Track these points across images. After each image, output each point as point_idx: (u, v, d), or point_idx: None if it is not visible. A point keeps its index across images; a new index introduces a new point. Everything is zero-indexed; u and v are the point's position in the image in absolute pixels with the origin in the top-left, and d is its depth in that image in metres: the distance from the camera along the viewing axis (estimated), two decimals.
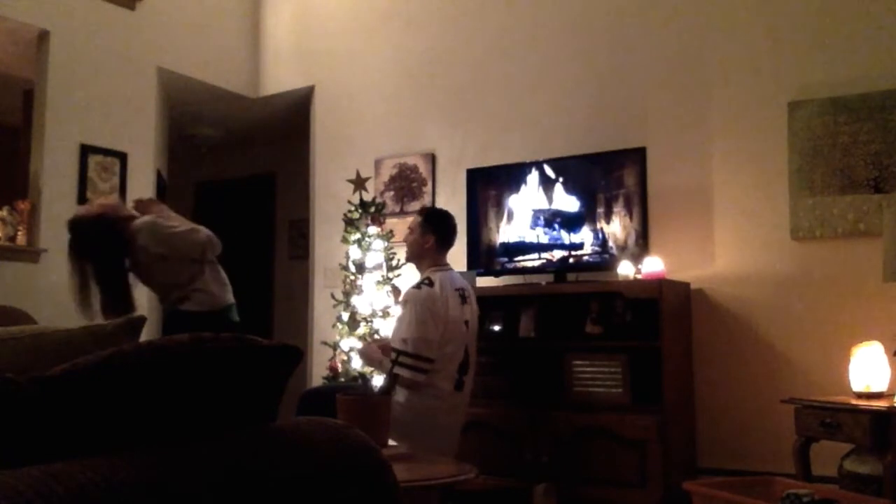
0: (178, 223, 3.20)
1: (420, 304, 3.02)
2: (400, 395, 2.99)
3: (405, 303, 3.09)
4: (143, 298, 4.76)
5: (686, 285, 3.73)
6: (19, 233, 4.16)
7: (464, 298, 3.19)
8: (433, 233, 3.21)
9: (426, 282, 3.10)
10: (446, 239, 3.26)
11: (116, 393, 0.88)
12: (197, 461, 0.89)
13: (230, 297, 3.28)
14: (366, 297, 3.99)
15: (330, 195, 5.02)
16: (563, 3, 4.34)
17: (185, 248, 3.10)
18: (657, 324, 3.36)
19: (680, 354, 3.60)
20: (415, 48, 4.86)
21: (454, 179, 4.50)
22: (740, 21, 3.80)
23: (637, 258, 3.61)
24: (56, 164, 4.32)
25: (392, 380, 2.84)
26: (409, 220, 4.67)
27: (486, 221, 4.11)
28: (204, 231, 3.13)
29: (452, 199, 4.50)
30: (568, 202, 3.89)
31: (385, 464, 1.13)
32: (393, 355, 3.00)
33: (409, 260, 3.38)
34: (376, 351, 3.24)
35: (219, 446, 0.95)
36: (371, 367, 3.51)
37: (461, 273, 3.98)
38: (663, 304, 3.37)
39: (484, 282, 4.05)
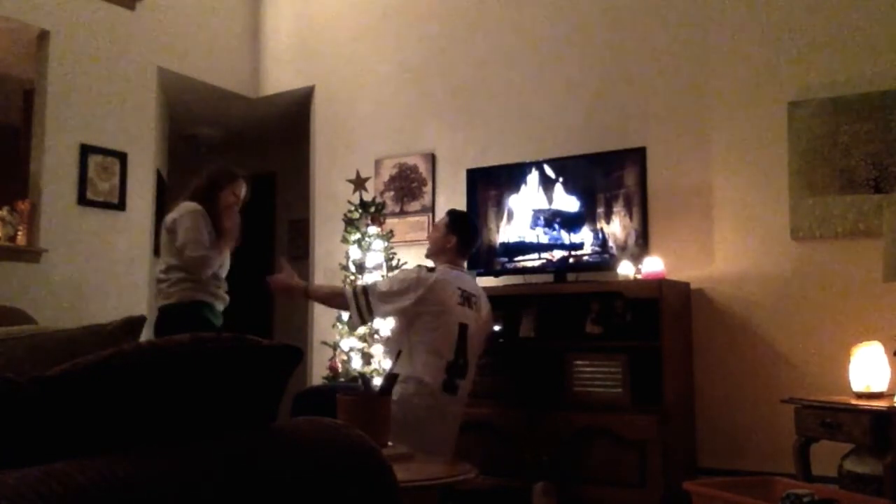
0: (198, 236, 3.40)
1: (404, 277, 3.15)
2: (393, 392, 2.98)
3: (402, 270, 3.30)
4: (143, 299, 4.76)
5: (686, 285, 3.73)
6: (19, 233, 4.16)
7: (467, 301, 3.18)
8: (456, 234, 3.29)
9: (429, 269, 3.20)
10: (468, 242, 3.34)
11: (116, 393, 0.88)
12: (197, 461, 0.89)
13: (208, 298, 3.44)
14: None
15: (330, 195, 5.02)
16: (563, 2, 4.35)
17: (182, 240, 3.36)
18: (657, 324, 3.36)
19: (680, 354, 3.60)
20: (415, 48, 4.86)
21: (454, 179, 4.50)
22: (740, 21, 3.80)
23: (637, 258, 3.61)
24: (56, 164, 4.32)
25: (391, 379, 2.84)
26: (410, 220, 4.69)
27: (486, 221, 4.11)
28: (202, 255, 3.36)
29: (452, 199, 4.50)
30: (568, 202, 3.89)
31: (385, 464, 1.13)
32: (394, 355, 3.02)
33: (428, 256, 3.45)
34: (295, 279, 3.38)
35: (219, 446, 0.95)
36: (285, 294, 3.67)
37: None
38: (663, 304, 3.37)
39: (484, 282, 4.04)
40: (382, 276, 4.05)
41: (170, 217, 3.45)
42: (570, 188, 3.88)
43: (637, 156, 3.72)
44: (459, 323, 3.12)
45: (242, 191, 3.63)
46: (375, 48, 5.03)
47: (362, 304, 3.11)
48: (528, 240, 3.99)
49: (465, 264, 3.40)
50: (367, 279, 4.04)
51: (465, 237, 3.32)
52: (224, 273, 3.55)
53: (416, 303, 3.05)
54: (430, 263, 3.35)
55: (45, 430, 0.84)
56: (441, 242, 3.30)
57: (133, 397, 0.89)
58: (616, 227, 3.74)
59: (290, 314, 6.11)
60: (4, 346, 1.41)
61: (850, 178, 3.44)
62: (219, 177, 3.57)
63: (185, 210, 3.42)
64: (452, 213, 3.45)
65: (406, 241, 4.56)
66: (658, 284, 3.42)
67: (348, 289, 3.25)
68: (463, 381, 3.12)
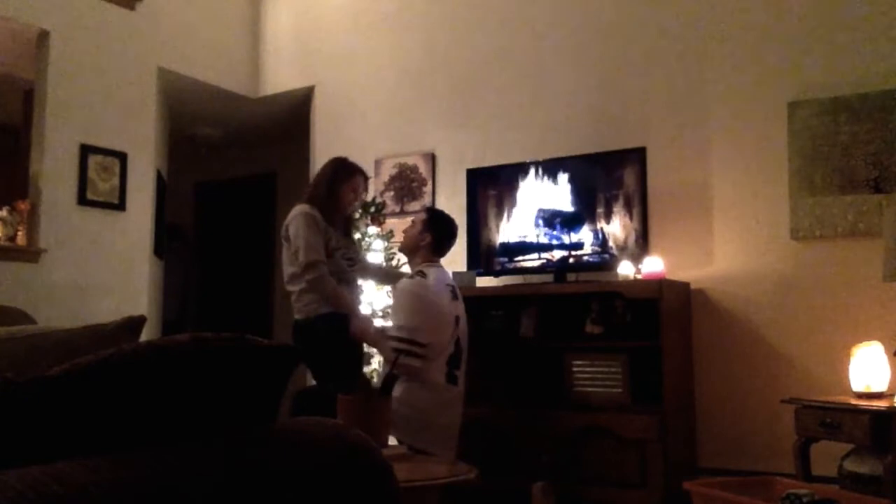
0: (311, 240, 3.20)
1: (411, 294, 3.12)
2: (395, 389, 3.00)
3: (399, 292, 3.20)
4: (143, 299, 4.76)
5: (686, 285, 3.73)
6: (19, 233, 4.16)
7: (454, 295, 3.25)
8: (432, 233, 3.29)
9: (419, 273, 3.20)
10: (442, 243, 3.33)
11: (116, 393, 0.88)
12: (197, 461, 0.89)
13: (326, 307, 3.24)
14: (366, 296, 3.99)
15: None
16: (563, 3, 4.34)
17: (294, 246, 3.20)
18: (657, 324, 3.36)
19: (680, 354, 3.60)
20: (415, 48, 4.86)
21: (454, 179, 4.50)
22: (740, 21, 3.80)
23: (637, 258, 3.62)
24: (56, 164, 4.32)
25: (391, 380, 2.85)
26: (410, 220, 4.69)
27: (486, 221, 4.11)
28: (310, 259, 3.14)
29: (452, 199, 4.50)
30: (568, 202, 3.89)
31: (385, 464, 1.13)
32: (394, 349, 3.03)
33: (401, 250, 3.46)
34: (373, 328, 3.24)
35: (219, 446, 0.95)
36: (366, 342, 3.46)
37: (460, 273, 4.00)
38: (663, 304, 3.38)
39: (484, 282, 4.05)
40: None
41: (286, 223, 3.27)
42: (570, 188, 3.88)
43: (637, 156, 3.72)
44: (455, 316, 3.19)
45: (362, 185, 3.43)
46: (375, 48, 5.03)
47: (407, 348, 3.01)
48: (528, 240, 3.99)
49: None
50: None
51: (440, 237, 3.31)
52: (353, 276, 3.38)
53: (434, 314, 3.09)
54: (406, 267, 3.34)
55: (45, 430, 0.84)
56: (416, 239, 3.31)
57: (133, 397, 0.89)
58: (616, 227, 3.74)
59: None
60: (4, 346, 1.41)
61: (850, 178, 3.44)
62: (335, 174, 3.35)
63: (294, 214, 3.25)
64: (431, 212, 3.46)
65: None
66: (658, 284, 3.42)
67: (385, 346, 3.10)
68: (460, 371, 3.19)
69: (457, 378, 3.17)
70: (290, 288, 3.28)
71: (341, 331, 3.16)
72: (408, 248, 3.37)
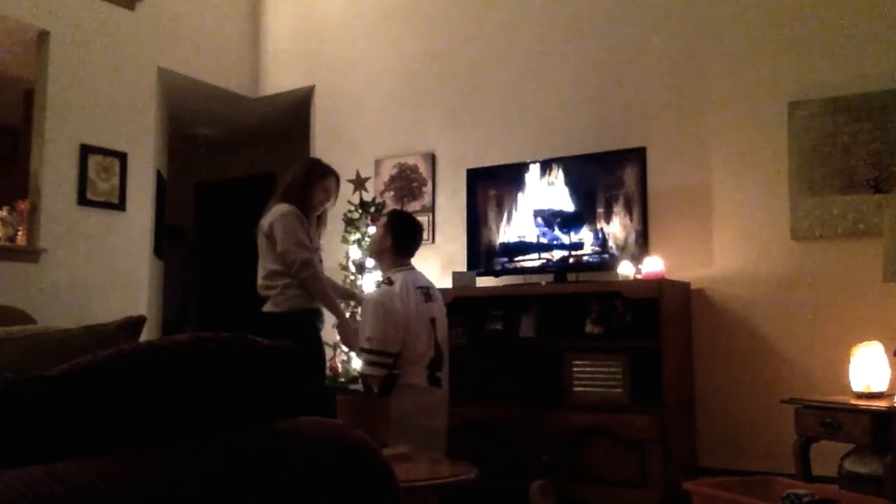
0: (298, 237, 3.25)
1: (377, 304, 3.10)
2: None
3: (366, 302, 3.21)
4: (143, 299, 4.77)
5: (686, 285, 3.73)
6: (19, 233, 4.16)
7: (428, 296, 3.22)
8: (391, 235, 3.26)
9: (386, 281, 3.19)
10: (404, 242, 3.28)
11: (116, 393, 0.88)
12: (197, 461, 0.89)
13: (316, 304, 3.32)
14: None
15: None
16: (563, 2, 4.35)
17: (283, 245, 3.22)
18: (657, 324, 3.36)
19: (680, 354, 3.60)
20: (415, 48, 4.86)
21: (454, 179, 4.50)
22: (740, 21, 3.80)
23: (637, 258, 3.62)
24: (56, 164, 4.32)
25: (390, 381, 2.85)
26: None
27: (486, 221, 4.11)
28: (304, 257, 3.20)
29: (452, 199, 4.50)
30: (568, 202, 3.89)
31: (385, 464, 1.13)
32: (371, 362, 3.03)
33: (370, 256, 3.47)
34: (355, 336, 3.29)
35: (219, 446, 0.95)
36: (350, 348, 3.54)
37: (460, 273, 4.00)
38: (663, 304, 3.38)
39: (484, 282, 4.05)
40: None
41: (265, 221, 3.30)
42: (570, 188, 3.88)
43: (637, 156, 3.72)
44: (430, 318, 3.17)
45: (334, 186, 3.48)
46: (375, 48, 5.03)
47: (378, 360, 3.01)
48: (528, 240, 3.99)
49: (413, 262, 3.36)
50: (366, 278, 4.04)
51: (399, 238, 3.27)
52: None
53: (402, 322, 3.07)
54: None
55: (45, 430, 0.84)
56: (379, 243, 3.30)
57: (133, 397, 0.89)
58: (616, 227, 3.75)
59: None
60: (4, 346, 1.41)
61: (850, 178, 3.44)
62: (308, 174, 3.41)
63: (279, 213, 3.27)
64: (391, 214, 3.47)
65: None
66: (658, 284, 3.42)
67: (369, 369, 3.07)
68: (441, 373, 3.18)
69: (439, 380, 3.15)
70: (269, 283, 3.29)
71: (316, 327, 3.30)
72: (374, 252, 3.37)
